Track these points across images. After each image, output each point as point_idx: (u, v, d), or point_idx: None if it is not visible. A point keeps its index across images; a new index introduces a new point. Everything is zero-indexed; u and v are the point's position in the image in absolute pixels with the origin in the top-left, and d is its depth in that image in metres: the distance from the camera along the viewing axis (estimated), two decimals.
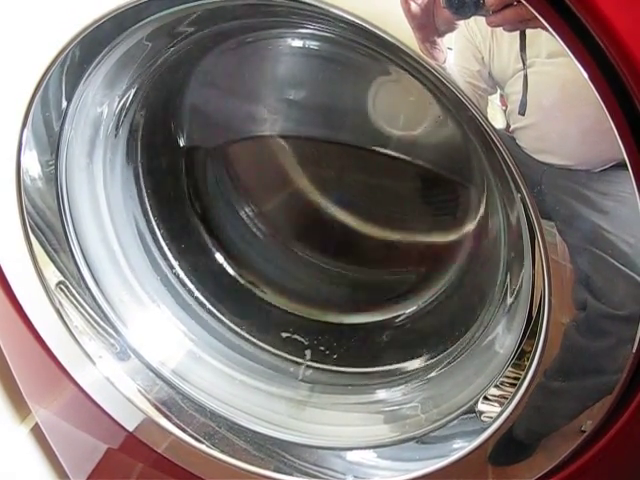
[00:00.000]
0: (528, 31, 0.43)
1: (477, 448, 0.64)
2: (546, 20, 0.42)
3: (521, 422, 0.60)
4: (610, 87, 0.43)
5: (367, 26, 0.47)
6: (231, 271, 0.93)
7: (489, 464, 0.65)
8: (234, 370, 0.84)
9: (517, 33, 0.44)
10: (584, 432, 0.57)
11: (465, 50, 0.46)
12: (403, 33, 0.46)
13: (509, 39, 0.45)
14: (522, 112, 0.46)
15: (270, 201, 0.98)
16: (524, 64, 0.45)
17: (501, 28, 0.44)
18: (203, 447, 0.79)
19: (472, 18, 0.44)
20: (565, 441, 0.59)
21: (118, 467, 0.92)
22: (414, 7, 0.45)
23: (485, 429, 0.63)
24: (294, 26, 0.75)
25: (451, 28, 0.45)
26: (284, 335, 0.89)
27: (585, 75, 0.43)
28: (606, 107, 0.43)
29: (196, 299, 0.89)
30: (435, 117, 0.80)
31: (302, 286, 0.96)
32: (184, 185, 0.90)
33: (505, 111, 0.47)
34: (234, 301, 0.91)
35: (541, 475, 0.62)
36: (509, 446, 0.63)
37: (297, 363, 0.86)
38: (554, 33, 0.42)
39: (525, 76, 0.45)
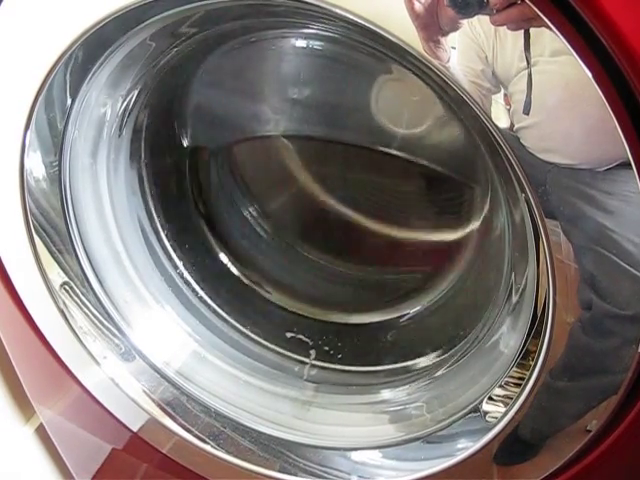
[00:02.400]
0: (532, 30, 0.43)
1: (482, 448, 0.64)
2: (549, 19, 0.42)
3: (526, 422, 0.60)
4: (614, 86, 0.43)
5: (370, 26, 0.47)
6: (235, 271, 0.93)
7: (494, 464, 0.65)
8: (239, 370, 0.84)
9: (521, 32, 0.44)
10: (590, 432, 0.57)
11: (469, 49, 0.46)
12: (406, 33, 0.46)
13: (512, 38, 0.44)
14: (527, 111, 0.46)
15: (274, 201, 0.98)
16: (528, 63, 0.44)
17: (505, 27, 0.44)
18: (208, 447, 0.79)
19: (476, 17, 0.44)
20: (571, 441, 0.59)
21: (123, 467, 0.92)
22: (418, 6, 0.45)
23: (490, 429, 0.63)
24: (297, 26, 0.75)
25: (455, 27, 0.45)
26: (289, 335, 0.88)
27: (589, 74, 0.42)
28: (610, 106, 0.43)
29: (200, 299, 0.89)
30: (439, 116, 0.80)
31: (306, 286, 0.96)
32: (188, 185, 0.90)
33: (509, 110, 0.47)
34: (238, 301, 0.91)
35: (547, 475, 0.62)
36: (514, 446, 0.63)
37: (302, 363, 0.86)
38: (557, 32, 0.42)
39: (529, 75, 0.45)
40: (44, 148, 0.69)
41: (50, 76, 0.59)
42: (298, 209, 0.99)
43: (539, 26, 0.43)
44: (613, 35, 0.41)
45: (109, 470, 0.95)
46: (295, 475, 0.76)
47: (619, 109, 0.43)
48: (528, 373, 0.58)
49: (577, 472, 0.61)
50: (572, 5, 0.42)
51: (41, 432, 1.01)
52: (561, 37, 0.42)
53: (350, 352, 0.87)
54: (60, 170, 0.72)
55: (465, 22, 0.45)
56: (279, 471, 0.77)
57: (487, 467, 0.65)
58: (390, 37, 0.47)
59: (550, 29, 0.42)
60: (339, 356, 0.86)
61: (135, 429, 0.83)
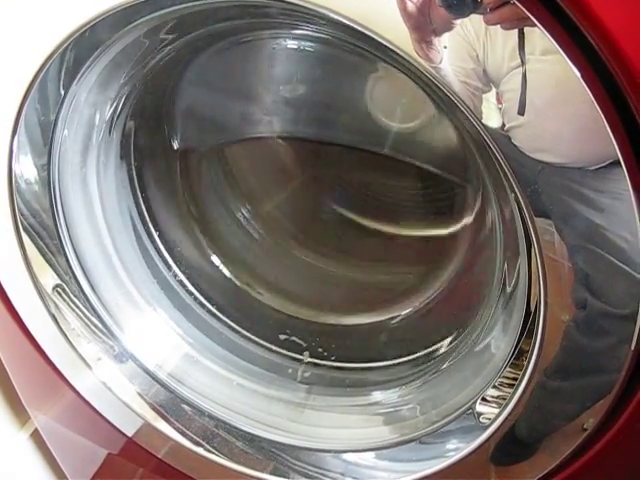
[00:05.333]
0: (526, 29, 0.43)
1: (478, 448, 0.64)
2: (537, 19, 0.42)
3: (522, 422, 0.60)
4: (603, 85, 0.43)
5: (360, 28, 0.47)
6: (227, 273, 0.93)
7: (491, 464, 0.65)
8: (231, 373, 0.84)
9: (510, 31, 0.43)
10: (586, 430, 0.57)
11: (459, 48, 0.46)
12: (397, 34, 0.46)
13: (503, 36, 0.44)
14: (521, 112, 0.45)
15: (266, 202, 0.98)
16: (523, 63, 0.44)
17: (497, 26, 0.44)
18: (201, 450, 0.79)
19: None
20: (567, 440, 0.59)
21: (118, 472, 0.92)
22: (410, 7, 0.45)
23: (485, 429, 0.62)
24: (287, 27, 0.75)
25: (448, 28, 0.45)
26: (282, 337, 0.88)
27: (577, 73, 0.42)
28: (599, 105, 0.43)
29: (193, 301, 0.88)
30: (430, 116, 0.80)
31: (299, 287, 0.96)
32: (179, 187, 0.89)
33: (500, 109, 0.47)
34: (231, 303, 0.90)
35: (544, 474, 0.62)
36: (511, 446, 0.63)
37: (295, 365, 0.86)
38: (546, 32, 0.42)
39: (524, 75, 0.44)
40: (35, 151, 0.69)
41: (36, 80, 0.59)
42: (290, 210, 0.99)
43: (532, 26, 0.42)
44: (601, 34, 0.41)
45: (105, 475, 0.94)
46: (287, 477, 0.76)
47: (608, 108, 0.43)
48: (521, 373, 0.57)
49: (574, 471, 0.61)
50: (560, 5, 0.42)
51: (36, 437, 1.01)
52: (549, 36, 0.42)
53: (343, 353, 0.87)
54: (49, 173, 0.71)
55: (457, 22, 0.44)
56: (271, 473, 0.77)
57: (484, 467, 0.65)
58: (380, 39, 0.46)
59: (540, 29, 0.42)
60: (332, 357, 0.86)
61: (130, 434, 0.83)
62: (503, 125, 0.47)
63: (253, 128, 0.89)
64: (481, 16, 0.43)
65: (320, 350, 0.87)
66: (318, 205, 0.96)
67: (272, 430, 0.78)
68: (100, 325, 0.80)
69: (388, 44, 0.47)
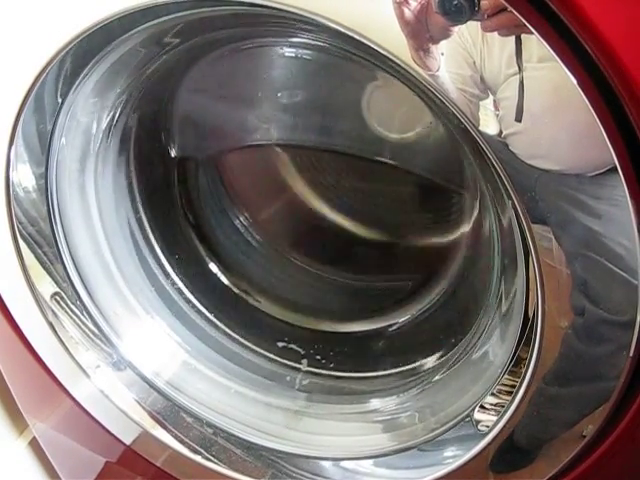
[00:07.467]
0: (523, 36, 0.43)
1: (476, 456, 0.63)
2: (534, 26, 0.42)
3: (521, 429, 0.60)
4: (600, 92, 0.43)
5: (357, 36, 0.47)
6: (225, 280, 0.93)
7: (490, 471, 0.64)
8: (229, 380, 0.83)
9: (508, 38, 0.44)
10: (585, 437, 0.57)
11: (457, 55, 0.46)
12: (394, 42, 0.46)
13: (500, 43, 0.44)
14: (519, 119, 0.45)
15: (264, 209, 0.98)
16: (520, 70, 0.44)
17: (494, 33, 0.44)
18: (199, 458, 0.79)
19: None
20: (566, 447, 0.58)
21: None
22: (407, 14, 0.44)
23: (484, 437, 0.62)
24: (285, 35, 0.75)
25: (446, 35, 0.45)
26: (280, 344, 0.88)
27: (574, 81, 0.42)
28: (596, 112, 0.43)
29: (191, 309, 0.88)
30: (427, 124, 0.80)
31: (297, 295, 0.95)
32: (177, 195, 0.90)
33: (497, 116, 0.47)
34: (229, 311, 0.90)
35: None
36: (510, 453, 0.62)
37: (293, 373, 0.86)
38: (542, 39, 0.42)
39: (521, 82, 0.44)
40: (33, 159, 0.69)
41: (33, 89, 0.59)
42: (288, 217, 1.00)
43: (530, 33, 0.42)
44: (597, 41, 0.41)
45: None
46: None
47: (605, 115, 0.43)
48: (520, 381, 0.57)
49: (574, 478, 0.60)
50: (556, 12, 0.42)
51: (34, 445, 1.00)
52: (545, 44, 0.42)
53: (342, 361, 0.86)
54: (47, 181, 0.71)
55: (455, 29, 0.44)
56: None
57: (483, 475, 0.65)
58: (377, 47, 0.46)
59: (535, 35, 0.42)
60: (331, 365, 0.86)
61: (128, 442, 0.83)
62: (500, 132, 0.47)
63: (251, 136, 0.89)
64: (478, 23, 0.43)
65: (318, 358, 0.87)
66: (316, 213, 0.96)
67: (270, 438, 0.78)
68: (98, 333, 0.80)
69: (385, 52, 0.46)
